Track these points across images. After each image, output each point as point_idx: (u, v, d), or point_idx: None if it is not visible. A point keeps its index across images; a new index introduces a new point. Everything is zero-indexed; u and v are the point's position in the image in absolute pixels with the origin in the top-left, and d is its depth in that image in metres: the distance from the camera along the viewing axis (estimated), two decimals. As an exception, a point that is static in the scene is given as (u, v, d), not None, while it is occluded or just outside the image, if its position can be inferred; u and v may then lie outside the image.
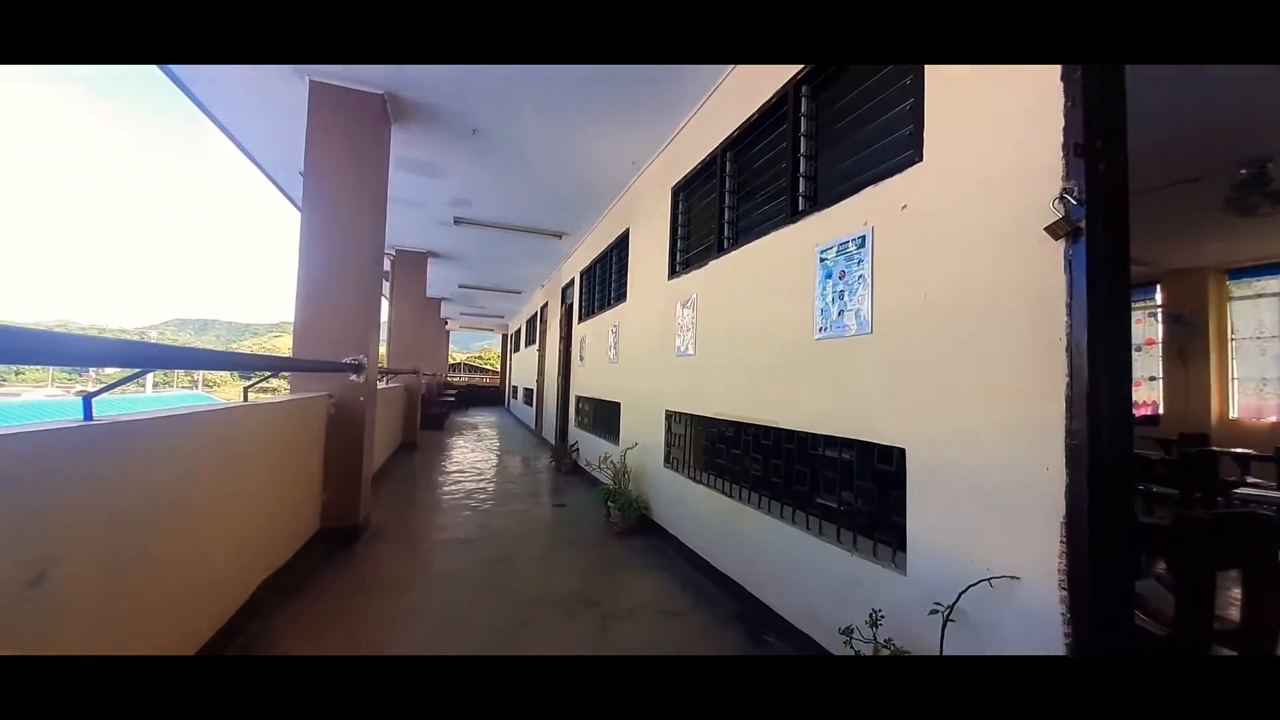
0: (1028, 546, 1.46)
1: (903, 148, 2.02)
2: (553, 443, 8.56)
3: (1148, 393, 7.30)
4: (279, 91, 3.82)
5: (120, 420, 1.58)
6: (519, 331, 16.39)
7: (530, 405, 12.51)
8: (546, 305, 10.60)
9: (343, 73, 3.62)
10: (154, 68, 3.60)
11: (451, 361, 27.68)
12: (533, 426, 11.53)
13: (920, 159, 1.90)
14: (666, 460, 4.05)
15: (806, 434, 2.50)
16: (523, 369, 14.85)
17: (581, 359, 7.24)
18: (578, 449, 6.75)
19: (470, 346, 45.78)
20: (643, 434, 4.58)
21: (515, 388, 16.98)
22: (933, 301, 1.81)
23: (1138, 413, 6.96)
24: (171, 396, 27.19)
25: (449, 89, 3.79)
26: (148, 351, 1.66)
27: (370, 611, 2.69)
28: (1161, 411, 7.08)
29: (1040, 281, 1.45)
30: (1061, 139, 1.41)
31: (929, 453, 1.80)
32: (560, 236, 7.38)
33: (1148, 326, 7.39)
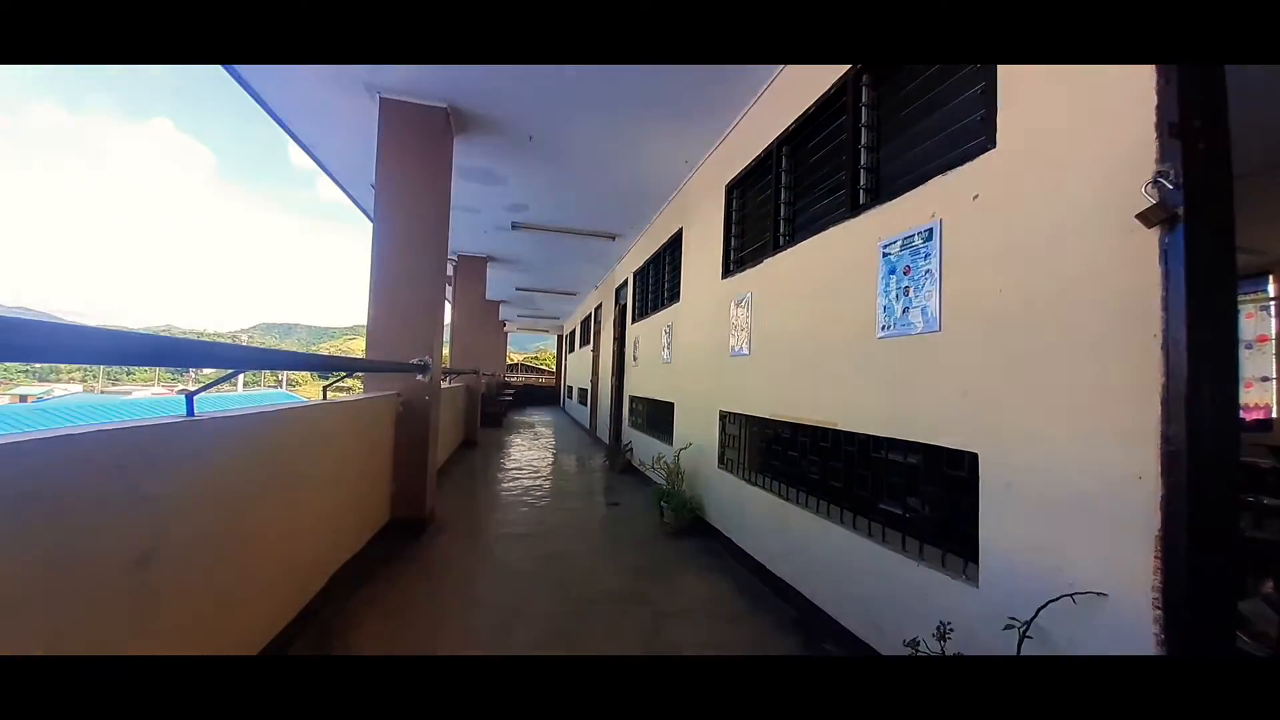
0: (1116, 561, 1.35)
1: (973, 134, 1.92)
2: (607, 442, 8.66)
3: (1259, 395, 6.56)
4: (353, 109, 4.06)
5: (218, 416, 1.73)
6: (574, 332, 16.68)
7: (585, 405, 12.70)
8: (600, 306, 10.74)
9: (409, 89, 3.81)
10: (249, 97, 3.93)
11: (509, 362, 28.53)
12: (587, 426, 11.71)
13: (993, 145, 1.80)
14: (720, 461, 4.02)
15: (868, 436, 2.41)
16: (577, 369, 15.11)
17: (635, 359, 7.29)
18: (631, 449, 6.80)
19: (527, 347, 47.00)
20: (696, 434, 4.56)
21: (570, 388, 17.30)
22: (1009, 297, 1.71)
23: (1246, 416, 6.28)
24: (259, 395, 29.37)
25: (506, 98, 3.91)
26: (240, 354, 1.82)
27: (435, 600, 2.82)
28: (1275, 415, 6.36)
29: (1131, 274, 1.34)
30: (1154, 118, 1.30)
31: (1005, 458, 1.70)
32: (614, 238, 7.46)
33: (1259, 322, 6.63)
